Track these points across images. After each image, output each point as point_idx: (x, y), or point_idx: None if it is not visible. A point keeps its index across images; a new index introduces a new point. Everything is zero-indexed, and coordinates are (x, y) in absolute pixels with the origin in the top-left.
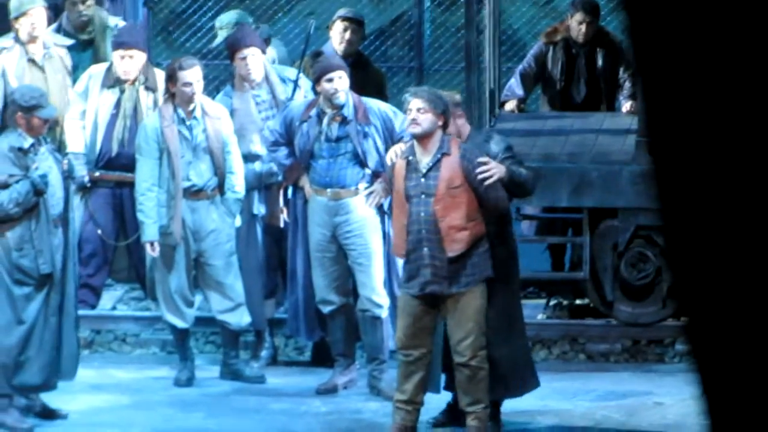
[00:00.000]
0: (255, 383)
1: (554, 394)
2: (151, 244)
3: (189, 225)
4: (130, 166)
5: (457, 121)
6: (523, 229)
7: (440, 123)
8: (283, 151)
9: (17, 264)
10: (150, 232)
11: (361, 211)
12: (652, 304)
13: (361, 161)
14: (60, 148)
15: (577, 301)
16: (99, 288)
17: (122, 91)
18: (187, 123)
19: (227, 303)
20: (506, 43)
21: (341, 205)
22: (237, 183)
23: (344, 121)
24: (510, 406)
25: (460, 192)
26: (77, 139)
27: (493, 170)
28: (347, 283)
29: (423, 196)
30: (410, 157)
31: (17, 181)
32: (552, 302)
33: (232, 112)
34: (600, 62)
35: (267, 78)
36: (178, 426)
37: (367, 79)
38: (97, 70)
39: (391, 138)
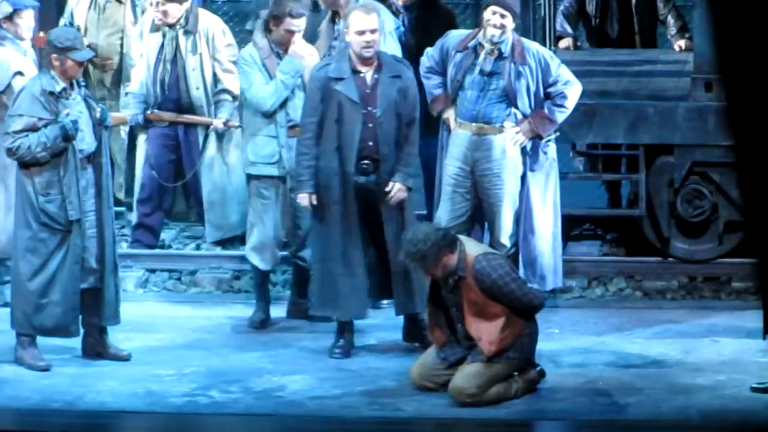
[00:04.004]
0: (324, 322)
1: (611, 330)
2: None
3: (287, 162)
4: (176, 109)
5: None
6: (578, 165)
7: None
8: (435, 80)
9: (43, 208)
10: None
11: (503, 150)
12: (708, 241)
13: (509, 99)
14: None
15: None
16: (156, 228)
17: (164, 36)
18: (282, 58)
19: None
20: None
21: (484, 141)
22: None
23: (500, 56)
24: (566, 343)
25: (486, 307)
26: (135, 79)
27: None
28: (466, 223)
29: (455, 309)
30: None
31: (46, 125)
32: (608, 239)
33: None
34: None
35: None
36: (234, 366)
37: (436, 18)
38: (149, 15)
39: (544, 82)
